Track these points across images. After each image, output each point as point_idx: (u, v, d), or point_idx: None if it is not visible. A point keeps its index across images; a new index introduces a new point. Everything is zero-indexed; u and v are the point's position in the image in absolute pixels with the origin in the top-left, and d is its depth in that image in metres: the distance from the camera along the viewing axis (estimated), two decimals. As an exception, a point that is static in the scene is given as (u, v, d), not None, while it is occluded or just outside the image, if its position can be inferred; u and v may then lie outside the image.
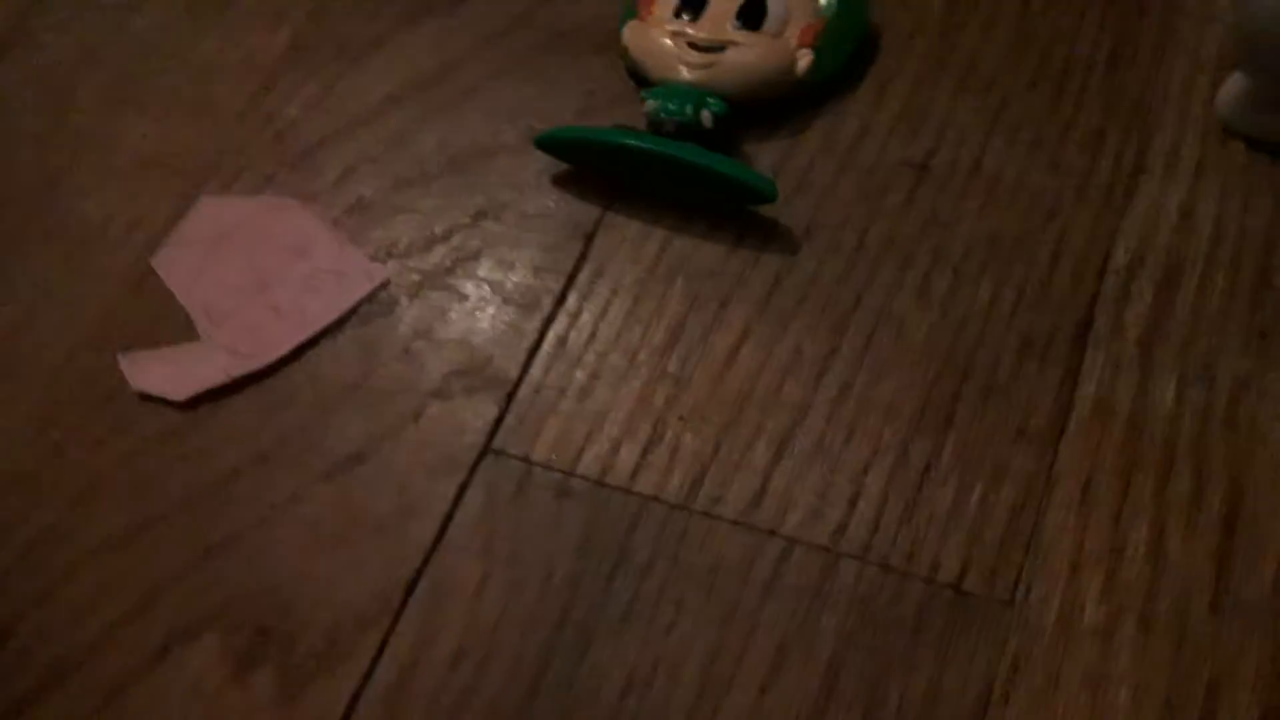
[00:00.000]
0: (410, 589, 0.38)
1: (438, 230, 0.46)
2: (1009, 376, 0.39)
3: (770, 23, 0.47)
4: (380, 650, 0.37)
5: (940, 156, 0.44)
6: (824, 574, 0.36)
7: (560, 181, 0.46)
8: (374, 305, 0.44)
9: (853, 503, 0.37)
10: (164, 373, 0.44)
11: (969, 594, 0.35)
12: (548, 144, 0.45)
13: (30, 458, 0.41)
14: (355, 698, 0.36)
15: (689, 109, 0.45)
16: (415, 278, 0.44)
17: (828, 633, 0.35)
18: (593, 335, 0.42)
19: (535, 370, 0.42)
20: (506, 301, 0.43)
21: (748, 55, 0.46)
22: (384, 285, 0.45)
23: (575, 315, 0.43)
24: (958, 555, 0.36)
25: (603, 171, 0.45)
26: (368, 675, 0.36)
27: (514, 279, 0.44)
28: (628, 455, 0.39)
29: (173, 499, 0.40)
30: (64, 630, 0.38)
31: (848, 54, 0.47)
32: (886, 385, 0.39)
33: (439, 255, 0.45)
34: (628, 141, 0.44)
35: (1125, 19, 0.47)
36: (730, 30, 0.47)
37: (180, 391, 0.43)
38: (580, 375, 0.41)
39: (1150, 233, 0.42)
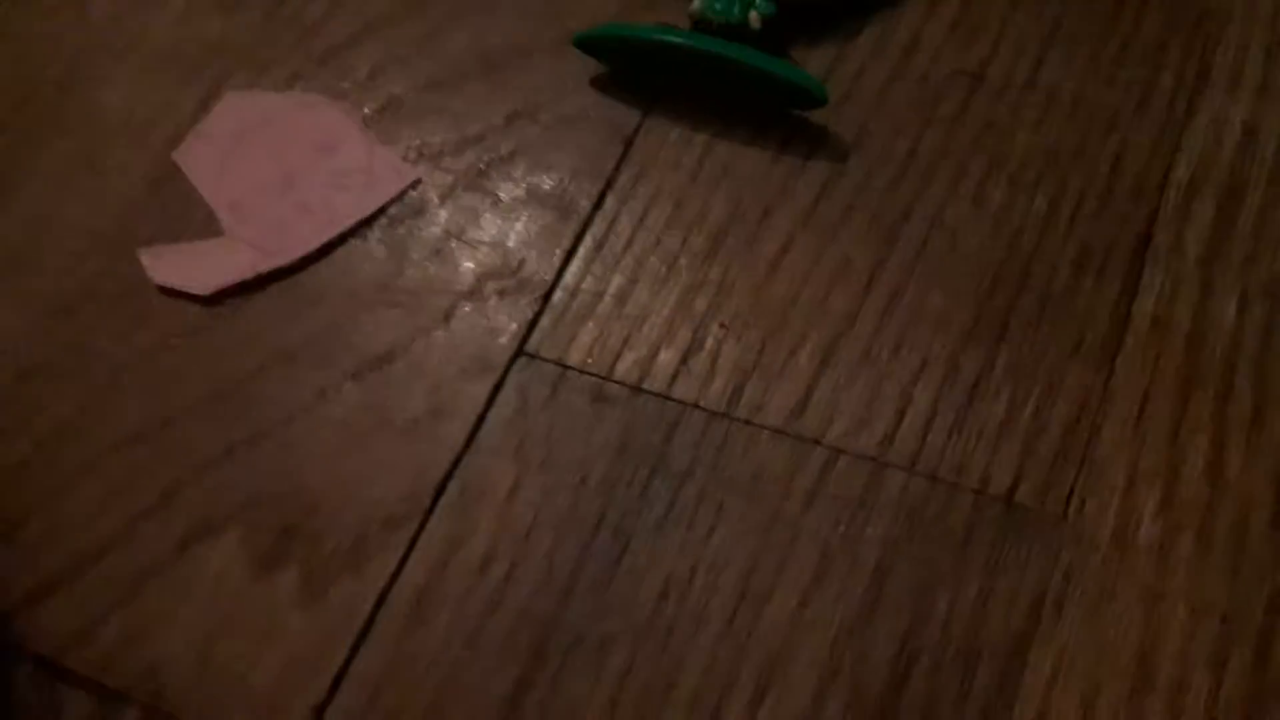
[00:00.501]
0: (440, 490, 0.36)
1: (471, 131, 0.44)
2: (1065, 290, 0.38)
3: (822, -76, 0.45)
4: (408, 551, 0.35)
5: (995, 67, 0.43)
6: (870, 484, 0.35)
7: (599, 83, 0.44)
8: (404, 205, 0.43)
9: (900, 413, 0.36)
10: (187, 267, 0.42)
11: (1020, 507, 0.34)
12: (587, 43, 0.44)
13: (50, 350, 0.40)
14: (381, 598, 0.35)
15: (736, 9, 0.43)
16: (447, 179, 0.43)
17: (873, 543, 0.34)
18: (631, 240, 0.41)
19: (571, 274, 0.40)
20: (542, 204, 0.41)
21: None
22: (415, 185, 0.43)
23: (613, 219, 0.41)
24: (1009, 468, 0.35)
25: (643, 73, 0.44)
26: (395, 576, 0.35)
27: (550, 182, 0.42)
28: (666, 361, 0.38)
29: (195, 395, 0.38)
30: (83, 523, 0.36)
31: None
32: (937, 296, 0.38)
33: (472, 156, 0.43)
34: (673, 39, 0.42)
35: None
36: (778, -68, 0.45)
37: (204, 286, 0.42)
38: (617, 280, 0.40)
39: (1212, 149, 0.40)
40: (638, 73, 0.44)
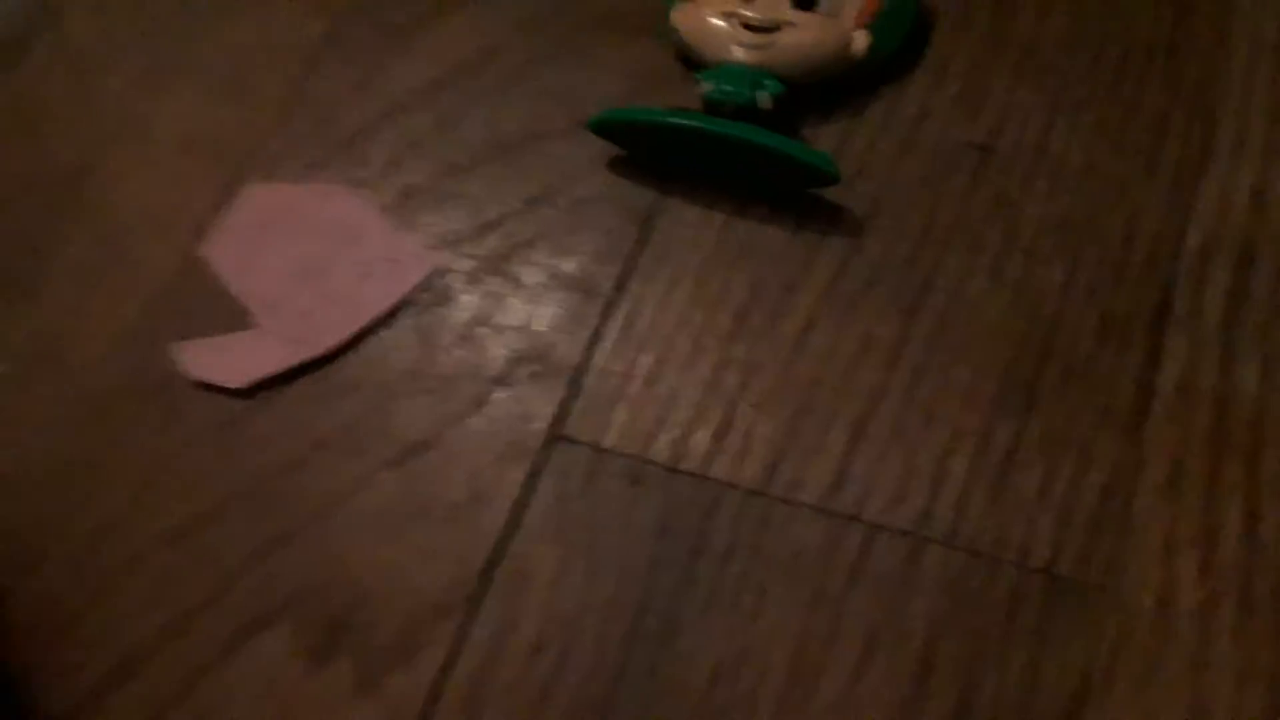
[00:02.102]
0: (485, 577, 0.37)
1: (490, 216, 0.45)
2: (1089, 359, 0.39)
3: (825, 3, 0.46)
4: (458, 640, 0.36)
5: (1003, 138, 0.44)
6: (910, 560, 0.36)
7: (613, 166, 0.45)
8: (429, 293, 0.43)
9: (936, 487, 0.37)
10: (220, 361, 0.43)
11: (1062, 578, 0.35)
12: (601, 127, 0.45)
13: (89, 444, 0.40)
14: (436, 688, 0.35)
15: (746, 90, 0.44)
16: (470, 264, 0.44)
17: (918, 619, 0.35)
18: (655, 320, 0.42)
19: (599, 356, 0.41)
20: (566, 287, 0.42)
21: (804, 35, 0.46)
22: (439, 272, 0.44)
23: (637, 301, 0.42)
24: (1048, 539, 0.36)
25: (657, 155, 0.45)
26: (447, 666, 0.35)
27: (572, 265, 0.43)
28: (700, 441, 0.39)
29: (234, 488, 0.39)
30: (133, 621, 0.37)
31: (904, 34, 0.47)
32: (963, 368, 0.39)
33: (493, 242, 0.44)
34: (686, 122, 0.43)
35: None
36: (786, 10, 0.46)
37: (238, 379, 0.42)
38: (646, 360, 0.41)
39: (1223, 214, 0.41)
40: (652, 155, 0.45)
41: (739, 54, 0.46)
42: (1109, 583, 0.35)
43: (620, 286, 0.42)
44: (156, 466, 0.40)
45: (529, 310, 0.42)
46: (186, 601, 0.37)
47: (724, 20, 0.46)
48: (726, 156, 0.43)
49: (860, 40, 0.46)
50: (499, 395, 0.41)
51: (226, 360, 0.43)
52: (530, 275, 0.43)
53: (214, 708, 0.36)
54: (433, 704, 0.35)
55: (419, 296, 0.43)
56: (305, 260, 0.45)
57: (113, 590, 0.37)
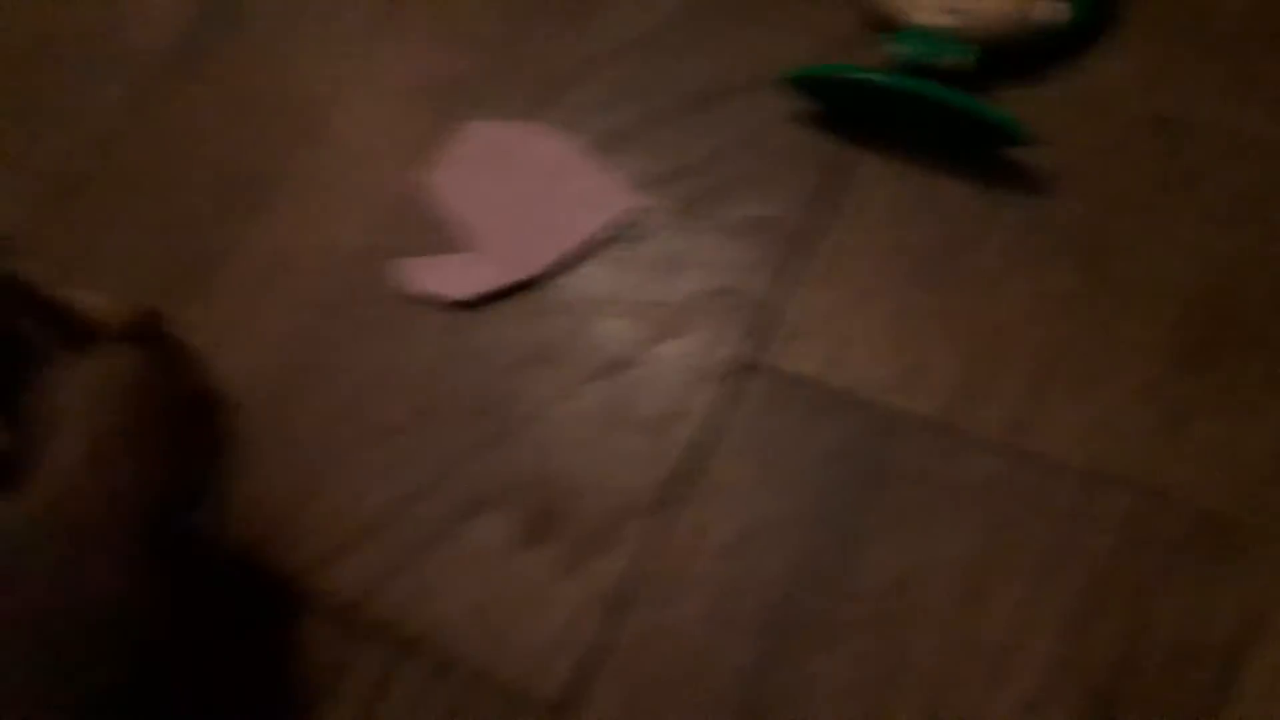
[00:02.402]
0: (678, 484, 0.40)
1: (688, 160, 0.48)
2: (1267, 325, 0.41)
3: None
4: (653, 536, 0.39)
5: (1187, 109, 0.46)
6: (1087, 497, 0.38)
7: (804, 119, 0.48)
8: (630, 227, 0.47)
9: (1113, 432, 0.39)
10: (439, 277, 0.47)
11: (1232, 524, 0.37)
12: (801, 81, 0.48)
13: (316, 349, 0.45)
14: (632, 576, 0.39)
15: (939, 52, 0.47)
16: (668, 203, 0.47)
17: (1090, 552, 0.37)
18: (843, 263, 0.44)
19: (788, 292, 0.44)
20: (758, 228, 0.45)
21: (994, 4, 0.48)
22: (639, 209, 0.47)
23: (826, 243, 0.45)
24: (1221, 487, 0.38)
25: (850, 111, 0.48)
26: (643, 557, 0.39)
27: (763, 207, 0.46)
28: (882, 375, 0.42)
29: (451, 391, 0.43)
30: (362, 500, 0.41)
31: (1092, 7, 0.48)
32: (1142, 325, 0.41)
33: (690, 184, 0.47)
34: (885, 79, 0.46)
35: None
36: (980, -20, 0.48)
37: (455, 294, 0.46)
38: (832, 299, 0.44)
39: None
40: (845, 110, 0.48)
41: (934, 18, 0.48)
42: (1278, 531, 0.37)
43: (810, 230, 0.46)
44: (383, 368, 0.44)
45: (722, 247, 0.46)
46: (409, 486, 0.42)
47: (921, -15, 0.49)
48: (917, 114, 0.46)
49: (1049, 11, 0.48)
50: (692, 322, 0.44)
51: (447, 276, 0.47)
52: (724, 216, 0.47)
53: (432, 579, 0.40)
54: (629, 589, 0.39)
55: (620, 230, 0.47)
56: (518, 192, 0.49)
57: (341, 474, 0.42)
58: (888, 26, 0.48)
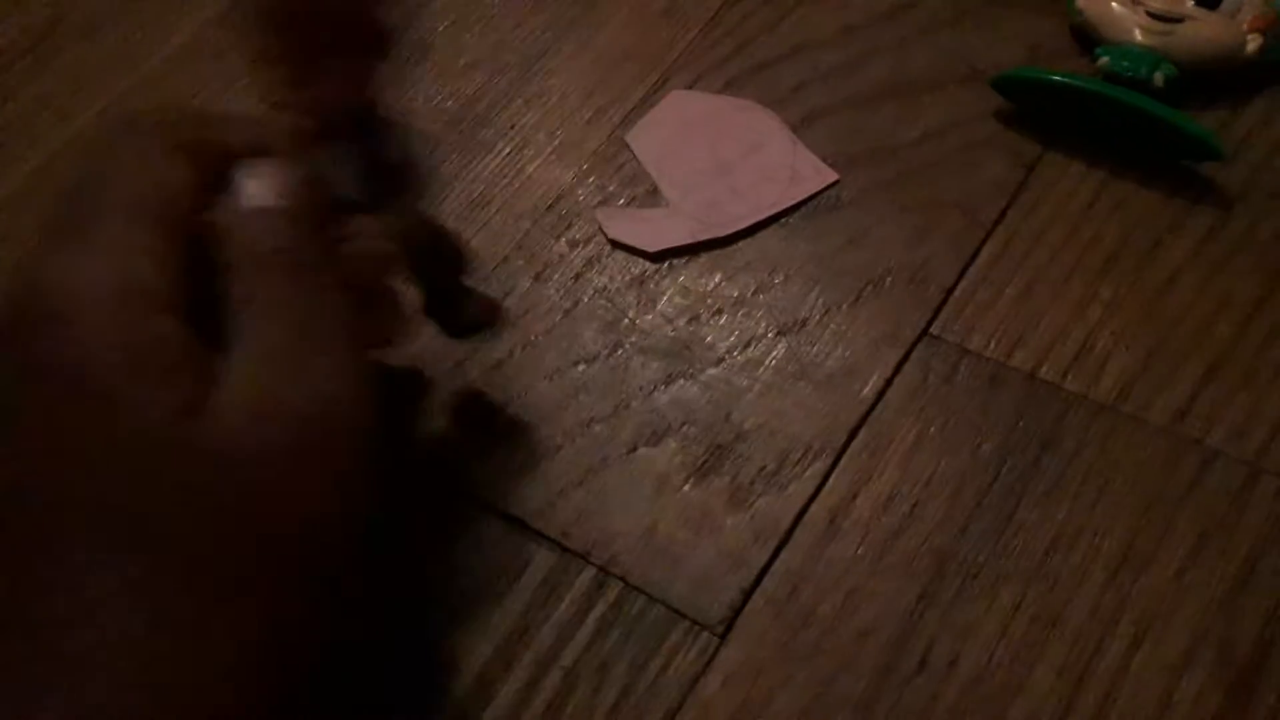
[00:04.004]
0: (852, 435, 0.42)
1: (884, 145, 0.51)
2: None
3: (1225, 5, 0.50)
4: (823, 480, 0.42)
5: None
6: (1245, 484, 0.40)
7: (1003, 117, 0.50)
8: (821, 200, 0.49)
9: (1276, 429, 0.40)
10: (637, 228, 0.50)
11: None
12: (1007, 83, 0.50)
13: (517, 281, 0.48)
14: (800, 513, 0.41)
15: (1143, 67, 0.48)
16: (862, 182, 0.49)
17: (1245, 533, 0.39)
18: (1029, 252, 0.46)
19: (973, 273, 0.46)
20: (947, 213, 0.48)
21: (1202, 29, 0.50)
22: (832, 185, 0.50)
23: (1014, 232, 0.47)
24: (1386, 488, 0.39)
25: (1048, 114, 0.49)
26: (811, 498, 0.41)
27: (957, 193, 0.48)
28: (1059, 357, 0.43)
29: (639, 331, 0.47)
30: (545, 420, 0.44)
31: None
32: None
33: (884, 166, 0.50)
34: (1091, 85, 0.47)
35: None
36: (1188, 5, 0.50)
37: (652, 244, 0.49)
38: (1016, 283, 0.45)
39: None
40: (1043, 113, 0.50)
41: (1140, 37, 0.50)
42: None
43: (1000, 218, 0.47)
44: (577, 307, 0.47)
45: (912, 227, 0.48)
46: (591, 413, 0.44)
47: (1129, 6, 0.51)
48: (1115, 121, 0.48)
49: (1254, 42, 0.50)
50: (878, 291, 0.46)
51: (642, 228, 0.50)
52: (916, 198, 0.49)
53: (607, 495, 0.42)
54: (794, 527, 0.41)
55: (812, 203, 0.49)
56: (716, 158, 0.52)
57: (530, 394, 0.45)
58: (1096, 41, 0.50)
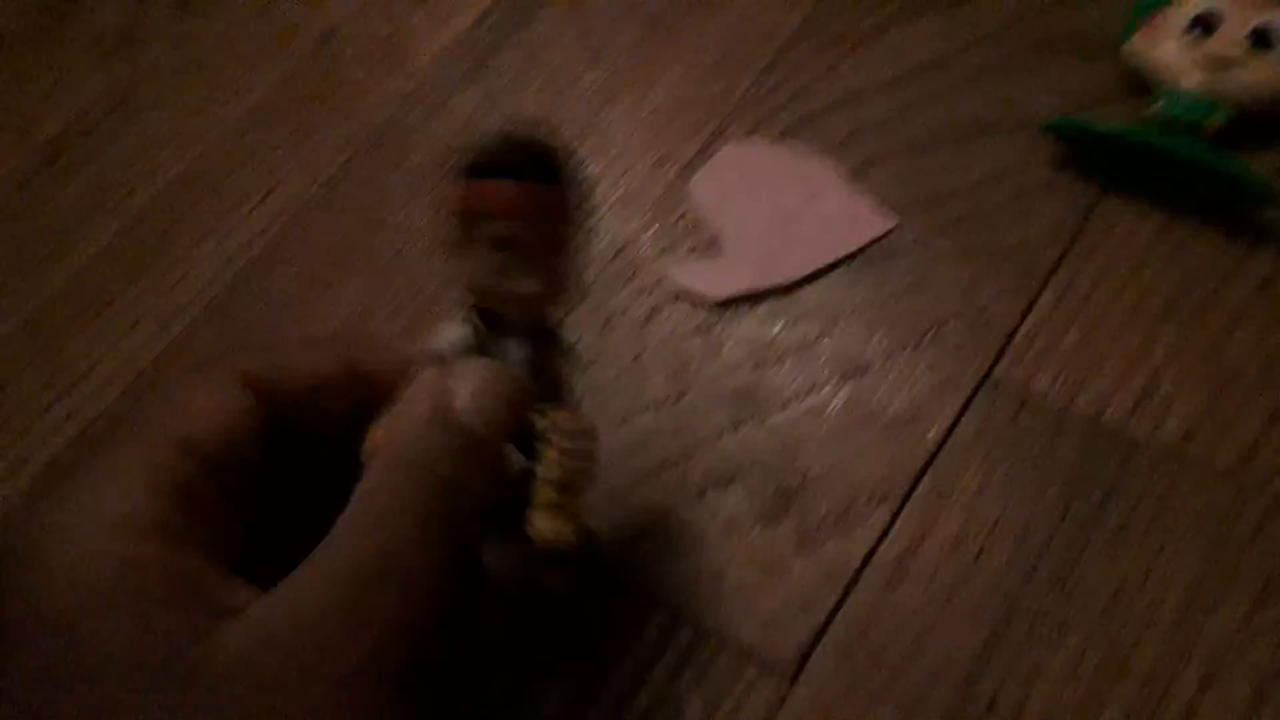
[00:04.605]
0: (917, 480, 0.43)
1: (941, 190, 0.52)
2: None
3: (1279, 48, 0.51)
4: (889, 525, 0.42)
5: None
6: (1311, 529, 0.40)
7: (1058, 163, 0.51)
8: (880, 248, 0.50)
9: (1345, 473, 0.41)
10: (700, 277, 0.51)
11: None
12: (1062, 129, 0.51)
13: (585, 332, 0.49)
14: (867, 558, 0.42)
15: (1198, 113, 0.49)
16: (919, 229, 0.50)
17: (1312, 578, 0.39)
18: (1089, 296, 0.47)
19: (1033, 319, 0.47)
20: (1006, 258, 0.48)
21: (1258, 73, 0.50)
22: (891, 231, 0.51)
23: (1073, 277, 0.47)
24: None
25: (1101, 161, 0.50)
26: (878, 542, 0.42)
27: (1014, 239, 0.49)
28: (1122, 401, 0.44)
29: (705, 378, 0.47)
30: (619, 462, 0.45)
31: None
32: (1384, 377, 0.42)
33: (942, 213, 0.51)
34: (1139, 136, 0.48)
35: None
36: (1243, 48, 0.51)
37: (714, 293, 0.50)
38: (1077, 328, 0.46)
39: None
40: (1096, 160, 0.50)
41: (1195, 80, 0.51)
42: None
43: (1059, 262, 0.48)
44: (638, 354, 0.48)
45: (970, 273, 0.49)
46: (661, 457, 0.45)
47: (1185, 50, 0.52)
48: (1169, 170, 0.49)
49: (1312, 86, 0.50)
50: (938, 337, 0.47)
51: (705, 277, 0.51)
52: (974, 244, 0.50)
53: (677, 541, 0.43)
54: (862, 570, 0.42)
55: (871, 250, 0.50)
56: (774, 207, 0.53)
57: (604, 440, 0.46)
58: (1151, 86, 0.51)
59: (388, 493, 0.28)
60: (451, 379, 0.31)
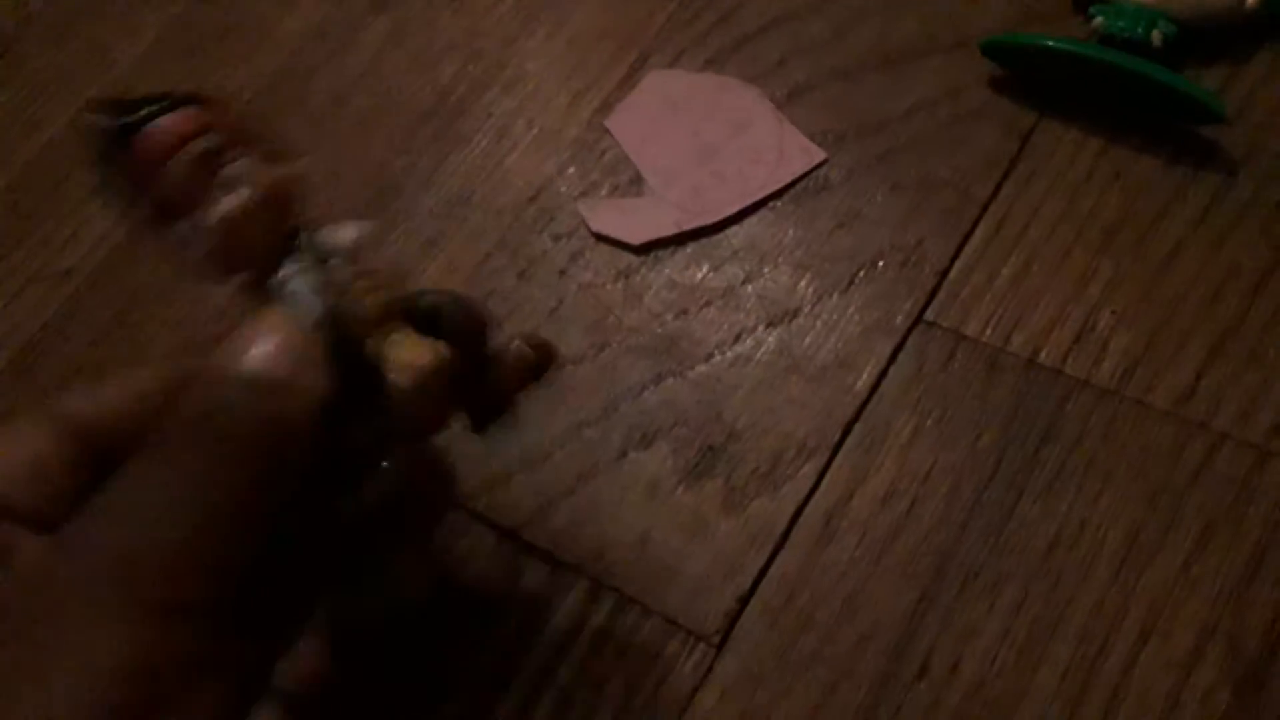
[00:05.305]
0: (846, 430, 0.41)
1: (873, 119, 0.49)
2: None
3: (1223, -43, 0.48)
4: (818, 480, 0.40)
5: (1394, 96, 0.45)
6: (1253, 469, 0.38)
7: (995, 85, 0.48)
8: (810, 182, 0.48)
9: (1288, 409, 0.39)
10: (620, 219, 0.48)
11: None
12: (994, 48, 0.48)
13: (497, 280, 0.46)
14: (795, 516, 0.40)
15: (1140, 27, 0.46)
16: (850, 161, 0.48)
17: (1255, 520, 0.37)
18: (1025, 228, 0.45)
19: (968, 254, 0.44)
20: (939, 190, 0.46)
21: (1207, -15, 0.47)
22: (820, 165, 0.48)
23: (1009, 208, 0.45)
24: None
25: (1041, 80, 0.47)
26: (807, 498, 0.40)
27: (947, 170, 0.46)
28: (1059, 340, 0.42)
29: (628, 328, 0.45)
30: (536, 425, 0.43)
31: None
32: (1329, 306, 0.41)
33: (873, 143, 0.48)
34: (1085, 50, 0.46)
35: None
36: (1185, -42, 0.48)
37: (635, 237, 0.48)
38: (1013, 263, 0.44)
39: None
40: (1036, 80, 0.48)
41: (1138, -5, 0.48)
42: None
43: (995, 194, 0.46)
44: (560, 303, 0.46)
45: (903, 207, 0.46)
46: (581, 416, 0.43)
47: (1122, -39, 0.49)
48: (1112, 86, 0.46)
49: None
50: (869, 278, 0.45)
51: (627, 220, 0.49)
52: (907, 175, 0.47)
53: (598, 504, 0.41)
54: (789, 529, 0.40)
55: (800, 185, 0.48)
56: (700, 141, 0.50)
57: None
58: (1085, 2, 0.48)
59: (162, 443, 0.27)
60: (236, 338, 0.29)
